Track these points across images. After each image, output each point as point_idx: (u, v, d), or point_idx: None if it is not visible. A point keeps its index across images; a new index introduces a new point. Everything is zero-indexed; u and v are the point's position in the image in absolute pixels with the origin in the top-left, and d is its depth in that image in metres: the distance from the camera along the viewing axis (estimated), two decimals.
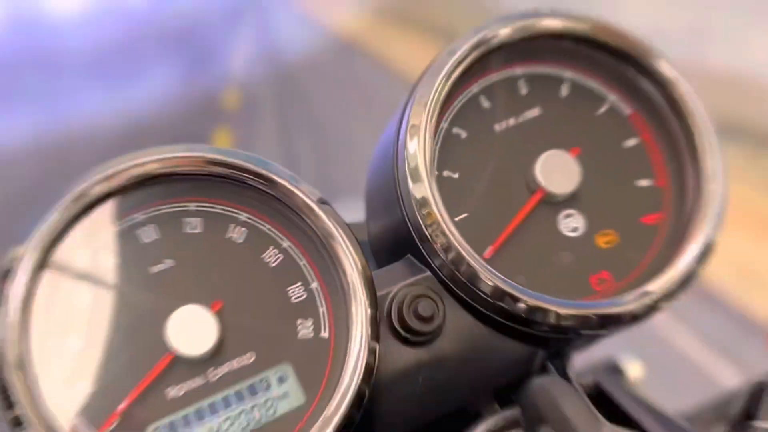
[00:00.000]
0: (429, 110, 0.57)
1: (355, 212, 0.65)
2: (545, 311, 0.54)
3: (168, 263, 0.53)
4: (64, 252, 0.51)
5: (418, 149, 0.56)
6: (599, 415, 0.47)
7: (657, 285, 0.55)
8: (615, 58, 0.61)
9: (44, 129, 2.72)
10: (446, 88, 0.58)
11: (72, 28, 2.69)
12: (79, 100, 2.86)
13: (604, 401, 0.76)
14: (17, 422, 0.47)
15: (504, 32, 0.59)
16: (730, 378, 2.17)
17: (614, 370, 0.82)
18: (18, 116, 2.82)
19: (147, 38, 2.76)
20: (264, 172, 0.55)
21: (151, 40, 2.73)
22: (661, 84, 0.61)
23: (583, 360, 0.87)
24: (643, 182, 0.61)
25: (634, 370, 0.88)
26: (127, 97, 2.86)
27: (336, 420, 0.49)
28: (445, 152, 0.60)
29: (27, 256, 0.49)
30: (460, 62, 0.58)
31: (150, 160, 0.52)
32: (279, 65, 3.09)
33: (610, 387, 0.76)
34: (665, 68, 0.61)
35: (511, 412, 0.49)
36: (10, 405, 0.47)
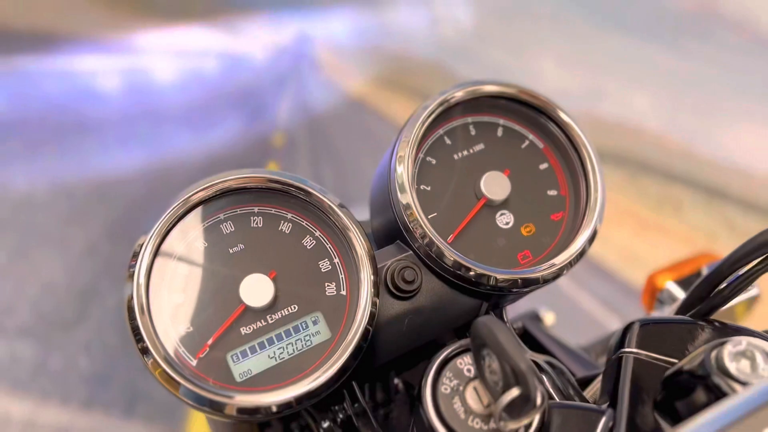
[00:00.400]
0: (410, 146, 0.57)
1: (362, 213, 0.65)
2: (488, 276, 0.54)
3: (240, 246, 0.53)
4: (172, 239, 0.51)
5: (403, 171, 0.56)
6: (523, 345, 0.48)
7: (560, 259, 0.55)
8: (532, 110, 0.60)
9: (150, 161, 2.69)
10: (421, 131, 0.57)
11: (169, 91, 2.68)
12: (174, 141, 2.82)
13: (528, 338, 0.76)
14: (145, 351, 0.47)
15: (459, 94, 0.59)
16: (614, 324, 2.16)
17: (535, 318, 0.81)
18: (133, 153, 2.78)
19: (220, 98, 2.76)
20: (303, 186, 0.54)
21: (223, 99, 2.73)
22: (561, 126, 0.60)
23: (514, 312, 0.86)
24: (552, 192, 0.60)
25: (549, 318, 0.87)
26: (207, 140, 2.82)
27: (351, 347, 0.49)
28: (421, 173, 0.59)
29: (148, 242, 0.50)
30: (430, 114, 0.58)
31: (229, 178, 0.53)
32: (311, 116, 3.07)
33: (532, 328, 0.76)
34: (563, 116, 0.60)
35: (464, 341, 0.48)
36: (140, 339, 0.48)
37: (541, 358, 0.56)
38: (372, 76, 3.11)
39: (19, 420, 1.85)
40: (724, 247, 3.04)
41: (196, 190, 0.52)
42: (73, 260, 2.40)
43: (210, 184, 0.52)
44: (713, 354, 0.37)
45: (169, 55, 3.08)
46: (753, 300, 0.77)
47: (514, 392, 0.37)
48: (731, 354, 0.36)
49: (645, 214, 2.99)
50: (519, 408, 0.38)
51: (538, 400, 0.37)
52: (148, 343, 0.47)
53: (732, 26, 3.56)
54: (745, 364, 0.36)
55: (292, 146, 2.89)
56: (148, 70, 3.06)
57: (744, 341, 0.37)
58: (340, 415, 0.58)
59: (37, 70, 3.01)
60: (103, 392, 1.93)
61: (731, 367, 0.36)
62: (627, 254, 2.67)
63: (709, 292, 0.53)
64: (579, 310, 2.24)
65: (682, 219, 3.03)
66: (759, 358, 0.35)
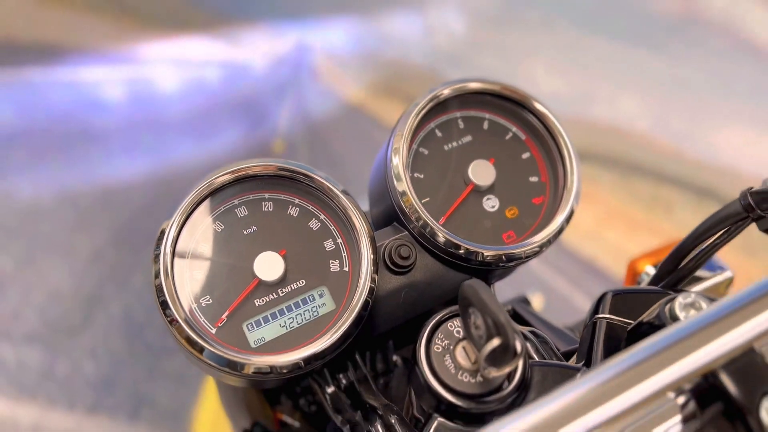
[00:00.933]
0: (404, 138, 0.60)
1: (361, 205, 0.69)
2: (476, 253, 0.57)
3: (253, 228, 0.57)
4: (193, 221, 0.56)
5: (399, 161, 0.60)
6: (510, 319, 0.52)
7: (540, 237, 0.59)
8: (514, 104, 0.64)
9: (154, 169, 2.73)
10: (414, 125, 0.61)
11: (172, 100, 2.72)
12: (177, 149, 2.86)
13: (516, 318, 0.80)
14: (172, 321, 0.51)
15: (446, 91, 0.63)
16: None
17: (524, 301, 0.84)
18: (137, 161, 2.82)
19: (222, 106, 2.80)
20: (309, 173, 0.58)
21: (224, 107, 2.77)
22: (540, 118, 0.63)
23: (503, 297, 0.90)
24: (533, 178, 0.64)
25: (537, 300, 0.92)
26: (209, 147, 2.86)
27: (353, 316, 0.53)
28: (415, 162, 0.62)
29: (172, 224, 0.54)
30: (421, 109, 0.61)
31: (245, 165, 0.57)
32: (310, 123, 3.12)
33: (520, 310, 0.80)
34: (540, 107, 0.63)
35: (454, 307, 0.51)
36: (167, 310, 0.52)
37: (526, 329, 0.61)
38: (369, 83, 3.15)
39: (26, 425, 1.88)
40: None
41: (220, 174, 0.56)
42: (78, 267, 2.44)
43: (233, 169, 0.56)
44: (667, 306, 0.42)
45: (171, 65, 3.13)
46: (729, 282, 0.81)
47: (495, 342, 0.42)
48: (681, 305, 0.41)
49: (637, 214, 3.04)
50: (500, 357, 0.43)
51: (517, 348, 0.42)
52: (175, 314, 0.51)
53: (717, 31, 3.64)
54: (693, 313, 0.41)
55: (291, 152, 2.93)
56: (152, 80, 3.10)
57: (693, 294, 0.42)
58: (344, 382, 0.63)
59: (44, 81, 3.05)
60: (108, 397, 1.96)
61: (681, 315, 0.41)
62: (619, 254, 2.72)
63: (676, 265, 0.59)
64: (572, 306, 2.28)
65: (673, 219, 3.07)
66: (704, 306, 0.41)
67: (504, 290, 0.80)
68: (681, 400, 0.37)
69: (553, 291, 2.35)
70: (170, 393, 2.02)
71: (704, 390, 0.36)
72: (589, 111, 3.13)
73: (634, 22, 3.64)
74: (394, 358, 0.71)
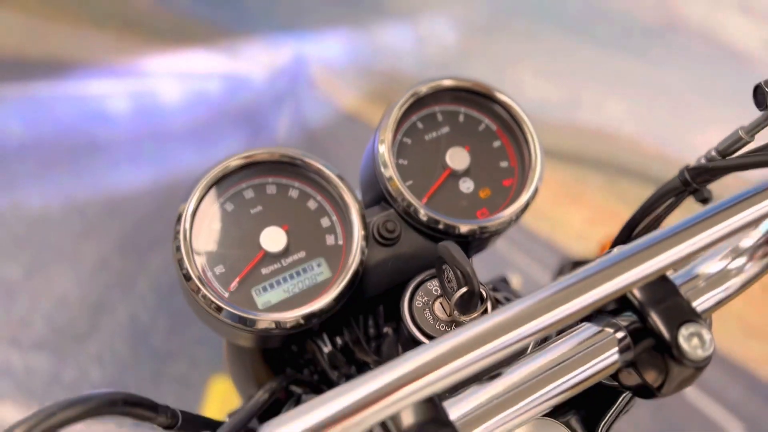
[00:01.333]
0: (389, 130, 0.66)
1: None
2: (454, 227, 0.64)
3: (259, 208, 0.63)
4: (206, 202, 0.62)
5: (385, 150, 0.66)
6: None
7: (508, 212, 0.65)
8: (484, 98, 0.70)
9: (158, 178, 2.79)
10: (397, 118, 0.67)
11: (174, 111, 2.79)
12: (179, 159, 2.92)
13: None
14: (197, 290, 0.57)
15: (424, 89, 0.68)
16: None
17: (504, 281, 0.89)
18: (141, 170, 2.89)
19: (223, 116, 2.88)
20: (309, 160, 0.64)
21: (225, 118, 2.85)
22: (506, 109, 0.70)
23: (485, 278, 0.97)
24: (504, 164, 0.70)
25: (516, 280, 0.98)
26: (211, 156, 2.93)
27: (346, 281, 0.60)
28: (400, 151, 0.68)
29: (188, 206, 0.60)
30: (402, 105, 0.67)
31: (253, 153, 0.63)
32: (308, 130, 3.20)
33: (499, 286, 0.87)
34: (504, 98, 0.70)
35: (432, 270, 0.57)
36: (190, 281, 0.57)
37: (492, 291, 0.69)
38: (364, 92, 3.24)
39: None
40: None
41: (233, 159, 0.62)
42: (85, 274, 2.50)
43: (244, 155, 0.63)
44: None
45: (174, 77, 3.21)
46: None
47: (463, 290, 0.50)
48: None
49: (624, 214, 3.12)
50: (467, 303, 0.51)
51: (483, 294, 0.50)
52: (196, 282, 0.58)
53: (697, 37, 3.74)
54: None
55: None
56: (155, 92, 3.18)
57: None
58: (339, 342, 0.70)
59: (51, 95, 3.12)
60: None
61: None
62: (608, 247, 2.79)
63: (629, 235, 0.67)
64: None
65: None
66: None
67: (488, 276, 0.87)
68: (620, 335, 0.45)
69: (540, 284, 2.41)
70: (175, 397, 2.07)
71: (638, 329, 0.43)
72: (576, 115, 3.22)
73: (618, 29, 3.74)
74: (385, 329, 0.79)
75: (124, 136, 3.06)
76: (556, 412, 0.49)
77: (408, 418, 0.33)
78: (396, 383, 0.32)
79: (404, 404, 0.32)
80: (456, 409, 0.39)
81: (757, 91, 0.52)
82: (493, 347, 0.34)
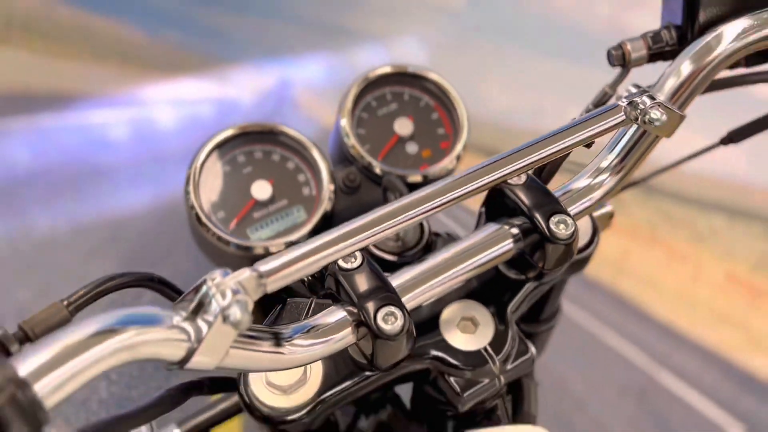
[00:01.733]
0: (348, 108, 0.80)
1: None
2: (403, 176, 0.78)
3: (249, 168, 0.76)
4: (208, 164, 0.77)
5: (346, 123, 0.79)
6: None
7: (444, 163, 0.81)
8: (419, 79, 0.84)
9: (158, 199, 2.92)
10: (354, 98, 0.80)
11: (172, 134, 2.93)
12: (178, 180, 3.07)
13: None
14: (200, 221, 0.73)
15: (372, 75, 0.82)
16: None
17: None
18: (142, 191, 3.03)
19: None
20: (291, 132, 0.77)
21: None
22: (436, 84, 0.83)
23: None
24: (441, 131, 0.83)
25: None
26: None
27: (316, 221, 0.75)
28: (358, 124, 0.81)
29: (196, 164, 0.76)
30: (358, 88, 0.81)
31: (244, 125, 0.78)
32: None
33: None
34: (435, 76, 0.83)
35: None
36: (203, 225, 0.73)
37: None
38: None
39: None
40: (663, 234, 3.32)
41: (228, 129, 0.78)
42: None
43: (237, 126, 0.78)
44: None
45: (169, 104, 3.38)
46: (610, 215, 1.02)
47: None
48: None
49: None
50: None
51: None
52: (207, 223, 0.74)
53: None
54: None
55: None
56: (152, 119, 3.33)
57: None
58: None
59: (56, 126, 3.26)
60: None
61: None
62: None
63: None
64: None
65: (628, 214, 3.31)
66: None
67: None
68: (514, 231, 0.59)
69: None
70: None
71: (527, 227, 0.57)
72: (540, 123, 3.42)
73: (575, 42, 3.97)
74: None
75: (125, 161, 3.20)
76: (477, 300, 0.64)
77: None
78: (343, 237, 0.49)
79: (347, 252, 0.48)
80: (395, 279, 0.53)
81: (608, 55, 0.70)
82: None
